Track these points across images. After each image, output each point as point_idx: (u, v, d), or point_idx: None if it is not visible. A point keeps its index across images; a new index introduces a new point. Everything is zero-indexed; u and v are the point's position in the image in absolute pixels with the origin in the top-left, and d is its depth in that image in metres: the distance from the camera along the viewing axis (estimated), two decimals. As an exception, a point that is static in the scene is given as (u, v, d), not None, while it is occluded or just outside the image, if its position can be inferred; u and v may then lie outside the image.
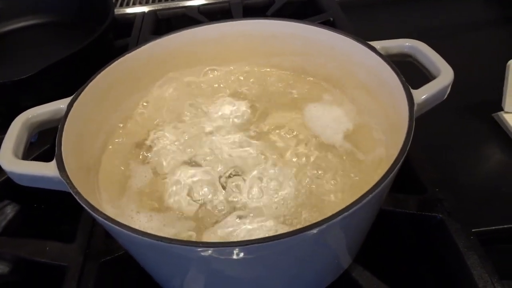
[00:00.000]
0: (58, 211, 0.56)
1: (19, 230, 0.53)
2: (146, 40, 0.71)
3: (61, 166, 0.31)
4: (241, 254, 0.26)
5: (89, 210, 0.28)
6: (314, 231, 0.26)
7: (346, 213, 0.26)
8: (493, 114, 0.59)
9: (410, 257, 0.45)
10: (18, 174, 0.33)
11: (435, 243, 0.43)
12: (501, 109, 0.57)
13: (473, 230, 0.41)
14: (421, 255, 0.44)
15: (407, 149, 0.30)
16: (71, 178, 0.30)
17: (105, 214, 0.28)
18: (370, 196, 0.27)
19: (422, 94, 0.34)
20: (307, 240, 0.27)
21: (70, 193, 0.33)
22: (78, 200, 0.29)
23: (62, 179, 0.31)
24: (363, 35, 0.42)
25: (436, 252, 0.43)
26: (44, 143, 0.55)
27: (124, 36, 0.78)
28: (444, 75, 0.35)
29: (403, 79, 0.35)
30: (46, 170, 0.32)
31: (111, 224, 0.27)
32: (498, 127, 0.57)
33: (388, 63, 0.37)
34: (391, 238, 0.45)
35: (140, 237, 0.26)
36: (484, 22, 0.79)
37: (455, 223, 0.41)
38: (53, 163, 0.32)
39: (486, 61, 0.68)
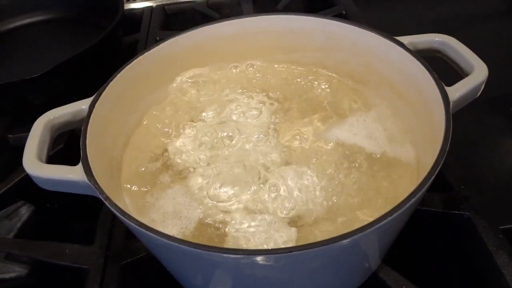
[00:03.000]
0: (73, 211, 0.55)
1: (35, 231, 0.52)
2: (156, 36, 0.71)
3: (88, 170, 0.30)
4: (280, 261, 0.26)
5: (120, 216, 0.27)
6: (351, 238, 0.25)
7: (385, 220, 0.25)
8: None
9: (437, 256, 0.44)
10: (43, 179, 0.32)
11: (462, 242, 0.42)
12: (521, 103, 0.56)
13: (500, 227, 0.41)
14: (448, 254, 0.44)
15: (447, 150, 0.29)
16: (99, 183, 0.29)
17: (137, 220, 0.27)
18: (412, 200, 0.26)
19: (457, 92, 0.33)
20: (344, 247, 0.26)
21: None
22: (109, 206, 0.28)
23: (89, 183, 0.30)
24: (378, 29, 0.41)
25: (463, 251, 0.42)
26: (57, 143, 0.54)
27: (132, 32, 0.76)
28: (478, 72, 0.34)
29: (436, 76, 0.34)
30: (72, 174, 0.31)
31: (144, 231, 0.26)
32: (518, 121, 0.57)
33: (419, 59, 0.36)
34: (417, 238, 0.44)
35: (177, 244, 0.25)
36: (501, 12, 0.78)
37: (482, 221, 0.41)
38: (79, 167, 0.31)
39: (504, 53, 0.67)
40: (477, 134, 0.56)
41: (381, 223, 0.26)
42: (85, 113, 0.36)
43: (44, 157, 0.33)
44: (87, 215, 0.48)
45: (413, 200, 0.26)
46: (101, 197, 0.29)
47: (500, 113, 0.58)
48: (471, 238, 0.41)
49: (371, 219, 0.25)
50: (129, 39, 0.75)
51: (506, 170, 0.51)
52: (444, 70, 0.38)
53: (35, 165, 0.32)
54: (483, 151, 0.53)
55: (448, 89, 0.33)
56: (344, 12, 0.73)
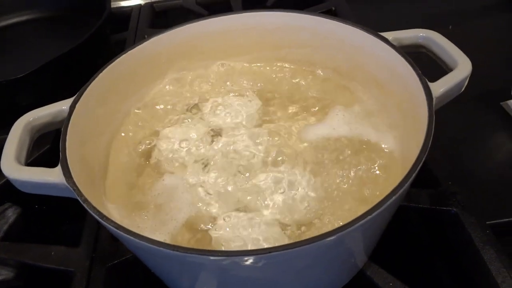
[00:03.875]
0: (61, 212, 0.54)
1: (22, 233, 0.52)
2: (144, 34, 0.71)
3: (66, 173, 0.30)
4: (261, 262, 0.25)
5: (98, 219, 0.27)
6: (334, 236, 0.25)
7: (369, 217, 0.25)
8: (501, 103, 0.57)
9: (424, 253, 0.44)
10: (21, 181, 0.31)
11: (449, 238, 0.42)
12: (510, 98, 0.56)
13: (487, 222, 0.40)
14: (435, 250, 0.44)
15: (429, 146, 0.28)
16: (77, 185, 0.29)
17: (115, 223, 0.26)
18: (394, 197, 0.26)
19: (440, 87, 0.33)
20: (328, 246, 0.26)
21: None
22: (87, 208, 0.28)
23: (68, 186, 0.29)
24: (367, 25, 0.41)
25: (450, 247, 0.42)
26: (43, 144, 0.53)
27: (120, 31, 0.75)
28: (462, 67, 0.34)
29: (419, 72, 0.34)
30: (51, 176, 0.30)
31: (123, 234, 0.26)
32: (507, 116, 0.56)
33: (402, 55, 0.36)
34: (404, 234, 0.44)
35: (156, 247, 0.24)
36: (492, 8, 0.77)
37: (469, 216, 0.40)
38: (58, 169, 0.30)
39: (492, 49, 0.67)
40: (465, 130, 0.56)
41: (363, 221, 0.25)
42: (66, 114, 0.35)
43: (23, 159, 0.33)
44: (73, 217, 0.48)
45: (394, 197, 0.26)
46: (79, 199, 0.28)
47: (489, 108, 0.58)
48: (458, 234, 0.41)
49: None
50: (117, 37, 0.74)
51: (494, 165, 0.51)
52: (430, 66, 0.38)
53: (13, 168, 0.31)
54: (471, 146, 0.53)
55: (432, 85, 0.33)
56: (333, 8, 0.73)
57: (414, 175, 0.27)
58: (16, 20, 0.80)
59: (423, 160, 0.28)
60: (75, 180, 0.29)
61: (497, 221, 0.44)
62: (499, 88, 0.58)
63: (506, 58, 0.55)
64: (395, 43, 0.38)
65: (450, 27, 0.70)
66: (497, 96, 0.58)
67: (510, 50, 0.54)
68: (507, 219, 0.44)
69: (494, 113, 0.57)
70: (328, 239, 0.25)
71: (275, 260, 0.26)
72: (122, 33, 0.75)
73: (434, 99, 0.31)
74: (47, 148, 0.53)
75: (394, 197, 0.26)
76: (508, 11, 0.76)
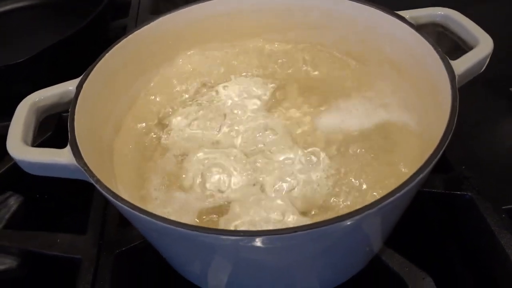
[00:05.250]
0: (63, 201, 0.53)
1: (25, 223, 0.50)
2: (145, 20, 0.69)
3: (76, 153, 0.28)
4: (281, 243, 0.24)
5: (113, 199, 0.26)
6: (354, 219, 0.24)
7: (390, 199, 0.24)
8: (511, 89, 0.57)
9: (438, 238, 0.43)
10: (29, 163, 0.30)
11: (465, 223, 0.41)
12: (520, 83, 0.56)
13: (503, 207, 0.40)
14: (450, 235, 0.43)
15: (454, 124, 0.28)
16: (88, 165, 0.28)
17: (131, 203, 0.25)
18: (418, 179, 0.25)
19: (461, 66, 0.32)
20: (348, 228, 0.25)
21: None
22: (100, 189, 0.26)
23: (79, 166, 0.28)
24: (377, 3, 0.40)
25: (465, 232, 0.42)
26: (46, 130, 0.52)
27: (120, 17, 0.74)
28: (483, 45, 0.33)
29: (440, 50, 0.33)
30: (60, 157, 0.29)
31: (138, 213, 0.25)
32: (518, 102, 0.56)
33: (421, 34, 0.35)
34: (418, 219, 0.43)
35: (173, 227, 0.23)
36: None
37: (484, 201, 0.40)
38: (67, 149, 0.29)
39: (501, 34, 0.66)
40: (477, 115, 0.55)
41: (384, 203, 0.24)
42: (72, 95, 0.34)
43: (29, 140, 0.31)
44: (78, 204, 0.47)
45: (418, 178, 0.25)
46: (91, 180, 0.27)
47: (500, 93, 0.57)
48: (473, 218, 0.40)
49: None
50: (117, 24, 0.73)
51: (506, 150, 0.50)
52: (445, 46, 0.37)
53: (20, 149, 0.30)
54: (484, 131, 0.52)
55: (453, 63, 0.32)
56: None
57: (440, 154, 0.26)
58: (14, 6, 0.78)
59: (449, 138, 0.27)
60: (85, 160, 0.28)
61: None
62: (509, 74, 0.57)
63: (516, 42, 0.54)
64: (412, 22, 0.37)
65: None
66: (507, 81, 0.57)
67: (521, 35, 0.53)
68: (521, 204, 0.44)
69: (503, 99, 0.56)
70: (348, 220, 0.24)
71: (294, 242, 0.25)
72: (123, 19, 0.73)
73: (456, 77, 0.30)
74: (50, 134, 0.52)
75: (418, 178, 0.25)
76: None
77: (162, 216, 0.24)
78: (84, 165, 0.28)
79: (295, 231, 0.23)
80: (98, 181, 0.27)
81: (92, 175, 0.27)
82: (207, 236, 0.24)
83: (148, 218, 0.24)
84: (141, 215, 0.24)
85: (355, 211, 0.24)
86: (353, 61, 0.45)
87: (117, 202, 0.25)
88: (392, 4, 0.41)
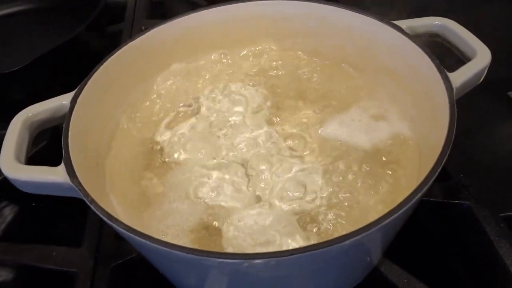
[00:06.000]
0: (60, 210, 0.53)
1: (20, 233, 0.50)
2: (141, 25, 0.68)
3: (71, 171, 0.28)
4: (275, 265, 0.24)
5: (107, 220, 0.25)
6: (357, 237, 0.24)
7: (393, 217, 0.24)
8: (509, 93, 0.56)
9: (437, 247, 0.43)
10: (22, 181, 0.30)
11: (463, 232, 0.41)
12: (517, 88, 0.55)
13: (500, 215, 0.40)
14: (448, 244, 0.43)
15: (452, 138, 0.27)
16: (83, 184, 0.27)
17: (125, 224, 0.25)
18: (419, 194, 0.24)
19: (459, 78, 0.32)
20: (348, 246, 0.25)
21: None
22: (94, 209, 0.26)
23: (73, 185, 0.27)
24: (374, 13, 0.40)
25: (464, 241, 0.41)
26: (40, 140, 0.51)
27: (116, 22, 0.73)
28: (480, 56, 0.33)
29: (438, 62, 0.33)
30: (54, 175, 0.29)
31: (134, 236, 0.24)
32: (515, 106, 0.55)
33: (419, 45, 0.34)
34: (417, 229, 0.43)
35: (169, 250, 0.23)
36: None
37: (483, 210, 0.40)
38: (61, 168, 0.29)
39: (498, 38, 0.65)
40: (473, 121, 0.54)
41: (386, 221, 0.24)
42: (66, 109, 0.33)
43: (23, 157, 0.31)
44: (74, 215, 0.46)
45: (419, 195, 0.25)
46: (85, 200, 0.27)
47: (497, 98, 0.57)
48: (472, 227, 0.40)
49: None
50: (113, 28, 0.72)
51: (504, 156, 0.50)
52: (441, 55, 0.37)
53: (13, 167, 0.29)
54: (482, 136, 0.52)
55: (451, 75, 0.32)
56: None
57: (439, 169, 0.26)
58: (7, 11, 0.77)
59: (447, 154, 0.26)
60: (79, 179, 0.28)
61: (510, 213, 0.43)
62: (507, 78, 0.57)
63: (512, 46, 0.54)
64: (408, 32, 0.37)
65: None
66: (505, 86, 0.57)
67: (518, 38, 0.53)
68: (520, 211, 0.44)
69: (501, 103, 0.56)
70: (349, 240, 0.24)
71: (293, 262, 0.25)
72: (118, 24, 0.72)
73: (454, 90, 0.30)
74: (44, 144, 0.51)
75: (418, 195, 0.25)
76: (513, -2, 0.75)
77: (157, 238, 0.24)
78: (79, 184, 0.27)
79: (292, 254, 0.23)
80: (92, 201, 0.26)
81: (86, 194, 0.27)
82: (203, 259, 0.23)
83: (143, 240, 0.24)
84: (136, 236, 0.24)
85: (353, 232, 0.24)
86: (350, 69, 0.44)
87: (112, 223, 0.25)
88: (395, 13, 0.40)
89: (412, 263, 0.37)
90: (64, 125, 0.32)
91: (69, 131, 0.31)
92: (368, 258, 0.32)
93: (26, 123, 0.33)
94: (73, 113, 0.33)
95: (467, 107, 0.55)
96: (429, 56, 0.33)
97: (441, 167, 0.26)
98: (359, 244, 0.25)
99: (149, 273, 0.39)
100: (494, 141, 0.52)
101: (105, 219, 0.25)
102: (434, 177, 0.26)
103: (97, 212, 0.26)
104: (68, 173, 0.28)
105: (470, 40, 0.34)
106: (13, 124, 0.32)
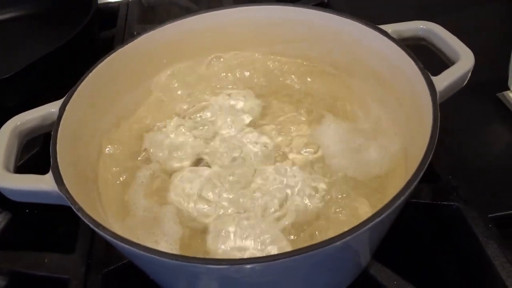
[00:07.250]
0: (53, 217, 0.53)
1: (13, 240, 0.50)
2: (133, 31, 0.69)
3: (58, 179, 0.28)
4: (265, 269, 0.24)
5: (94, 228, 0.26)
6: (343, 240, 0.24)
7: (378, 219, 0.24)
8: (497, 94, 0.57)
9: (427, 248, 0.43)
10: (10, 190, 0.30)
11: (453, 233, 0.42)
12: (506, 88, 0.56)
13: (489, 215, 0.40)
14: (438, 246, 0.43)
15: (435, 142, 0.28)
16: (70, 192, 0.28)
17: (112, 232, 0.25)
18: (402, 198, 0.25)
19: (443, 82, 0.32)
20: (335, 250, 0.25)
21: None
22: (81, 217, 0.26)
23: (61, 193, 0.28)
24: (361, 17, 0.40)
25: (454, 243, 0.42)
26: (31, 147, 0.51)
27: (108, 28, 0.73)
28: (464, 60, 0.33)
29: (421, 65, 0.33)
30: (42, 184, 0.29)
31: (120, 243, 0.25)
32: (504, 107, 0.56)
33: (403, 49, 0.35)
34: (405, 230, 0.43)
35: (157, 257, 0.23)
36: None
37: (472, 211, 0.40)
38: (49, 176, 0.29)
39: (488, 38, 0.66)
40: (461, 122, 0.55)
41: (371, 224, 0.24)
42: (55, 117, 0.34)
43: (11, 166, 0.31)
44: (67, 222, 0.46)
45: (402, 198, 0.25)
46: (73, 207, 0.27)
47: (486, 99, 0.57)
48: (461, 229, 0.40)
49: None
50: (105, 34, 0.72)
51: (493, 157, 0.51)
52: (431, 58, 0.37)
53: (1, 176, 0.30)
54: (471, 137, 0.52)
55: (434, 79, 0.32)
56: (326, 1, 0.72)
57: (422, 173, 0.26)
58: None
59: (430, 157, 0.27)
60: (67, 186, 0.28)
61: (499, 214, 0.43)
62: (495, 79, 0.57)
63: (501, 48, 0.54)
64: (394, 36, 0.37)
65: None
66: (493, 87, 0.57)
67: (506, 40, 0.53)
68: (508, 212, 0.44)
69: (490, 104, 0.56)
70: (336, 243, 0.24)
71: (281, 266, 0.25)
72: (110, 30, 0.73)
73: (438, 94, 0.31)
74: (36, 151, 0.51)
75: (401, 198, 0.25)
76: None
77: (145, 245, 0.24)
78: (66, 192, 0.28)
79: (278, 259, 0.23)
80: (80, 209, 0.26)
81: (73, 202, 0.27)
82: (191, 266, 0.24)
83: (130, 247, 0.24)
84: (122, 243, 0.24)
85: (338, 235, 0.24)
86: (339, 73, 0.45)
87: (99, 231, 0.25)
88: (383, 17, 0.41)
89: (401, 265, 0.38)
90: (52, 133, 0.32)
91: (58, 139, 0.31)
92: (356, 261, 0.33)
93: (15, 132, 0.33)
94: (62, 120, 0.33)
95: (456, 109, 0.56)
96: (414, 60, 0.34)
97: (424, 169, 0.26)
98: (345, 247, 0.26)
99: (140, 279, 0.39)
100: (483, 143, 0.52)
101: (92, 226, 0.26)
102: (418, 179, 0.26)
103: (84, 220, 0.26)
104: (56, 181, 0.28)
105: (453, 43, 0.34)
106: (1, 133, 0.32)
